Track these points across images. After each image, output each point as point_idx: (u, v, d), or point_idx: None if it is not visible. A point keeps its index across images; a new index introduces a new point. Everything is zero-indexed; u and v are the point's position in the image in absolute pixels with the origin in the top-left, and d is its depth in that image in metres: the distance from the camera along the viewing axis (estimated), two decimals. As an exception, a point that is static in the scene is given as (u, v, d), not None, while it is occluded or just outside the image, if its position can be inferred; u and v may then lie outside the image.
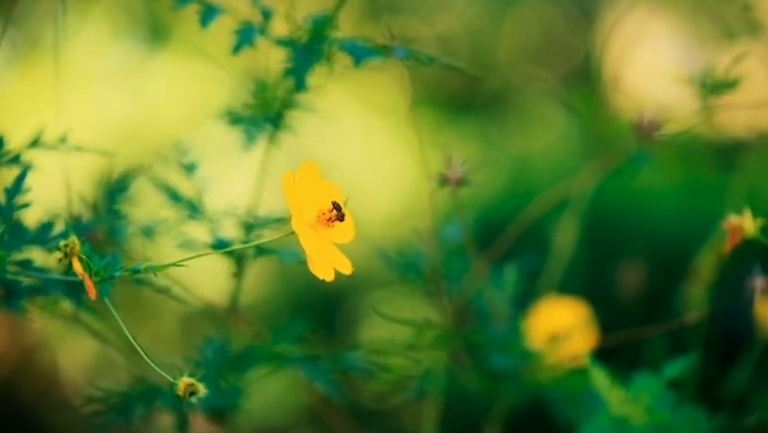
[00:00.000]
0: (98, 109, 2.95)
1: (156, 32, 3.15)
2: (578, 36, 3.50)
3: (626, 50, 2.61)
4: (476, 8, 3.49)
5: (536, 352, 1.56)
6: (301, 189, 1.06)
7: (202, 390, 1.04)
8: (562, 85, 3.38)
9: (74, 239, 1.00)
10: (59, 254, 1.01)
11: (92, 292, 1.01)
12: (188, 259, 1.03)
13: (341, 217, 1.08)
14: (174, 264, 1.02)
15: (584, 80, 3.26)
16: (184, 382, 1.04)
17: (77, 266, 1.01)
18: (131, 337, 1.03)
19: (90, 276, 1.01)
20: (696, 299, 1.63)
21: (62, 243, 1.00)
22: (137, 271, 1.02)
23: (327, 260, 1.06)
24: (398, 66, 1.32)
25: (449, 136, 3.15)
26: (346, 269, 1.07)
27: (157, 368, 1.02)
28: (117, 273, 1.02)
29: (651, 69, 2.89)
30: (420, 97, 1.39)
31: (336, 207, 1.08)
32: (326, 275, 1.05)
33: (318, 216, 1.08)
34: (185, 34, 3.16)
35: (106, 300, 1.01)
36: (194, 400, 1.03)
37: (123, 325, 1.01)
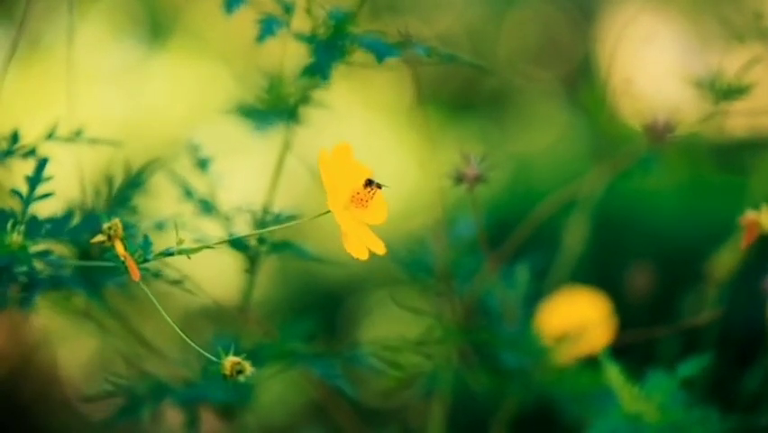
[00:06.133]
0: (99, 108, 2.95)
1: (156, 31, 3.15)
2: (578, 36, 3.51)
3: (629, 51, 2.61)
4: (476, 8, 3.49)
5: (547, 350, 1.56)
6: (335, 170, 1.06)
7: (249, 368, 1.04)
8: (562, 85, 3.38)
9: (117, 222, 1.01)
10: (101, 237, 1.01)
11: (135, 273, 1.01)
12: (218, 243, 1.03)
13: (378, 187, 1.09)
14: (205, 247, 1.02)
15: (584, 81, 3.27)
16: (230, 361, 1.04)
17: (120, 248, 1.01)
18: (177, 329, 1.03)
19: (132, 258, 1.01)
20: (709, 298, 1.63)
21: (106, 225, 1.00)
22: (170, 254, 1.02)
23: (362, 239, 1.06)
24: (402, 65, 1.32)
25: (450, 136, 3.15)
26: (380, 249, 1.07)
27: (208, 354, 1.02)
28: (150, 257, 1.02)
29: (654, 71, 2.89)
30: (422, 97, 1.39)
31: (370, 182, 1.09)
32: (361, 254, 1.05)
33: (352, 197, 1.08)
34: (185, 33, 3.16)
35: (143, 285, 1.01)
36: (241, 378, 1.03)
37: (164, 314, 1.00)
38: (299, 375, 1.67)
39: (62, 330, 2.73)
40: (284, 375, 1.53)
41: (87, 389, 2.75)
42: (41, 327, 2.72)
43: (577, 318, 1.64)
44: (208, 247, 1.04)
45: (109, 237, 1.01)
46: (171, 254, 1.03)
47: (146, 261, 1.03)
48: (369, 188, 1.09)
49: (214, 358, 1.06)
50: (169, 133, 2.98)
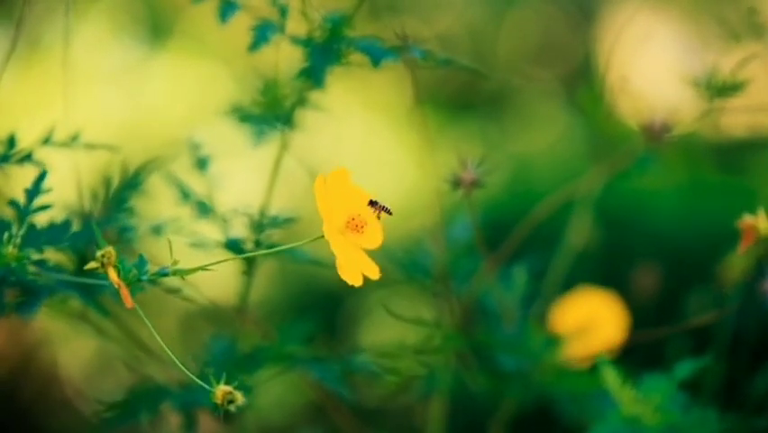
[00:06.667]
0: (99, 109, 2.95)
1: (156, 32, 3.15)
2: (578, 36, 3.50)
3: (628, 50, 2.61)
4: (476, 8, 3.48)
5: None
6: (332, 195, 1.06)
7: (240, 398, 1.03)
8: (562, 85, 3.38)
9: (110, 249, 1.00)
10: (94, 264, 1.01)
11: (128, 301, 1.01)
12: (215, 263, 1.02)
13: (384, 209, 1.09)
14: (201, 268, 1.02)
15: (584, 81, 3.26)
16: (222, 390, 1.03)
17: (113, 276, 1.00)
18: (160, 340, 1.02)
19: (126, 285, 1.01)
20: (719, 300, 1.62)
21: (99, 253, 1.00)
22: (165, 275, 1.01)
23: (356, 265, 1.06)
24: (401, 66, 1.32)
25: (449, 136, 3.15)
26: (374, 274, 1.07)
27: (193, 376, 1.02)
28: (145, 277, 1.01)
29: (653, 71, 2.89)
30: (421, 97, 1.39)
31: (374, 202, 1.09)
32: (355, 281, 1.06)
33: (348, 222, 1.08)
34: (185, 33, 3.15)
35: (137, 307, 1.01)
36: (232, 408, 1.03)
37: (153, 330, 1.00)
38: (298, 376, 1.66)
39: (62, 331, 2.72)
40: (283, 376, 1.53)
41: (87, 389, 2.75)
42: (41, 327, 2.72)
43: (590, 317, 1.64)
44: (203, 269, 1.03)
45: (102, 265, 1.01)
46: (166, 275, 1.02)
47: (140, 281, 1.02)
48: (374, 209, 1.09)
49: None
50: (168, 133, 2.98)
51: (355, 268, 1.06)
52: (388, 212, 1.10)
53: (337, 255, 1.04)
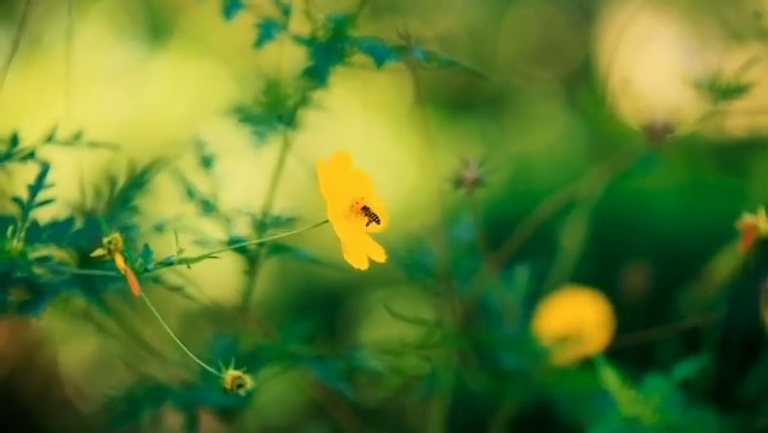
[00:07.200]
0: (99, 109, 2.95)
1: (156, 32, 3.15)
2: (578, 36, 3.51)
3: (628, 51, 2.62)
4: (476, 8, 3.49)
5: (547, 351, 1.56)
6: (334, 179, 1.06)
7: (249, 382, 1.04)
8: (562, 85, 3.38)
9: (117, 236, 1.01)
10: (101, 251, 1.01)
11: (136, 288, 1.01)
12: (218, 251, 1.03)
13: (376, 219, 1.09)
14: (206, 257, 1.02)
15: (584, 81, 3.27)
16: (231, 375, 1.04)
17: (120, 262, 1.01)
18: (175, 338, 1.03)
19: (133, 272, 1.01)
20: (709, 300, 1.63)
21: (106, 239, 1.00)
22: (170, 264, 1.02)
23: (361, 249, 1.06)
24: (402, 66, 1.32)
25: (449, 136, 3.15)
26: (380, 256, 1.07)
27: (207, 366, 1.02)
28: (151, 267, 1.02)
29: (654, 71, 2.89)
30: (421, 97, 1.39)
31: (367, 209, 1.09)
32: (360, 264, 1.05)
33: (352, 206, 1.08)
34: (185, 33, 3.16)
35: (143, 296, 1.01)
36: (242, 392, 1.03)
37: (163, 323, 1.00)
38: (299, 375, 1.67)
39: (62, 330, 2.73)
40: (284, 375, 1.53)
41: (88, 389, 2.75)
42: (42, 327, 2.72)
43: (575, 320, 1.64)
44: (208, 257, 1.03)
45: (109, 251, 1.01)
46: (172, 264, 1.02)
47: (147, 270, 1.02)
48: (366, 216, 1.09)
49: (212, 365, 1.06)
50: (169, 133, 2.98)
51: (360, 251, 1.06)
52: (377, 221, 1.10)
53: (342, 239, 1.04)
